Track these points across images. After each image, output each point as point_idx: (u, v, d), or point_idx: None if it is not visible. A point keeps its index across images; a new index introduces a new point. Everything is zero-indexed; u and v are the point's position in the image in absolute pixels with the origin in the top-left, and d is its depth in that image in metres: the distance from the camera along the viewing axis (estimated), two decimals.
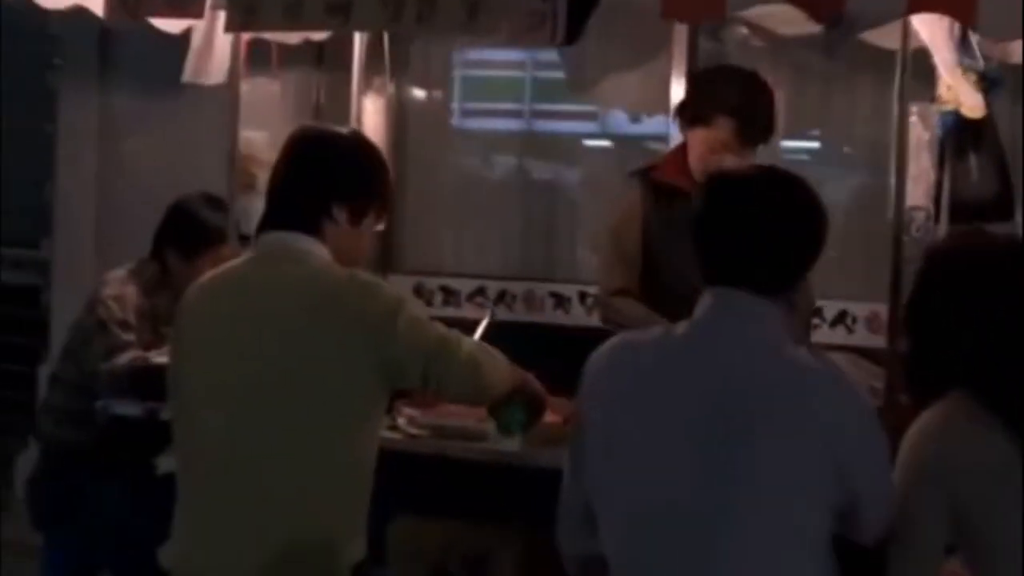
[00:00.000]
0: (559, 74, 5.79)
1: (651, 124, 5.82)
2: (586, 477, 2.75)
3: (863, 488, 2.64)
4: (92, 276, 5.99)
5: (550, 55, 6.04)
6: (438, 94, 6.27)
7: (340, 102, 5.46)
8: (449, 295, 5.97)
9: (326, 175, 3.06)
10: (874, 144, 5.36)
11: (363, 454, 2.96)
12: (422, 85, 6.21)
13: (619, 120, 6.06)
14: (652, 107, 5.83)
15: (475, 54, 6.26)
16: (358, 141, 3.19)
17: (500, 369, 3.15)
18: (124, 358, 4.30)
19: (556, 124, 6.23)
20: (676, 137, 5.36)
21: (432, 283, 5.98)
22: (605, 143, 6.24)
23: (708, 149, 4.23)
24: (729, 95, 4.20)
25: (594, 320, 5.71)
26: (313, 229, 3.03)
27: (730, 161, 4.18)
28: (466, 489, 3.71)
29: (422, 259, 6.07)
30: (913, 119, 4.26)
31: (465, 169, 6.28)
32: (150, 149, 6.06)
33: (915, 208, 4.03)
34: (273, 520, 2.88)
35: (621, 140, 6.13)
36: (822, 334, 5.19)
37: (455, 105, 6.31)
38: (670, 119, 5.51)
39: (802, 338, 4.08)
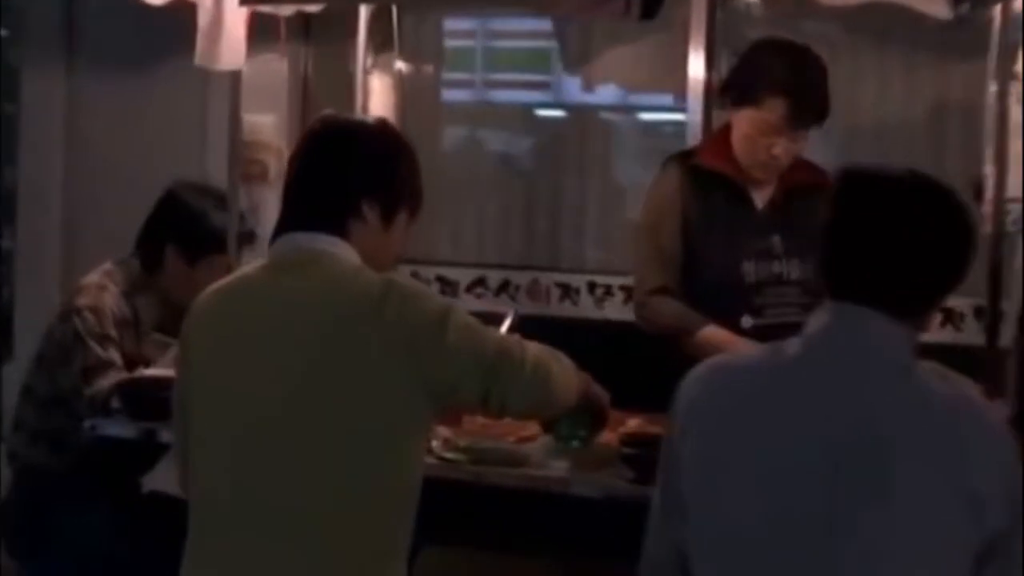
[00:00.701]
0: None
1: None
2: (682, 524, 2.40)
3: (998, 536, 2.29)
4: (59, 269, 5.67)
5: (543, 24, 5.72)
6: (429, 68, 5.86)
7: (332, 80, 5.04)
8: (446, 286, 5.58)
9: (354, 168, 2.72)
10: (913, 125, 5.07)
11: (403, 484, 2.61)
12: (414, 59, 5.79)
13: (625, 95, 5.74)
14: (663, 84, 5.50)
15: (467, 24, 5.88)
16: (388, 131, 2.85)
17: (569, 376, 2.85)
18: (106, 381, 3.87)
19: (574, 97, 5.86)
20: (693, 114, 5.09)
21: (428, 272, 5.59)
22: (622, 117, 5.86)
23: (757, 132, 3.88)
24: (780, 72, 3.84)
25: (605, 312, 5.40)
26: (339, 229, 2.68)
27: (780, 145, 3.87)
28: (499, 517, 3.35)
29: (416, 246, 5.65)
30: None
31: (461, 148, 5.89)
32: (123, 132, 5.55)
33: (1011, 200, 3.68)
34: (298, 561, 2.54)
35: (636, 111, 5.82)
36: None
37: (448, 78, 5.93)
38: (686, 97, 5.28)
39: None
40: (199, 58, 4.06)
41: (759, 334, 3.85)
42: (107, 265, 4.12)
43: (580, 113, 5.85)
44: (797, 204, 3.98)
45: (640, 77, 5.68)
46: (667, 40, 5.45)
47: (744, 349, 3.72)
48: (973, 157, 4.98)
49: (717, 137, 4.06)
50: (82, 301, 3.99)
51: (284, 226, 2.73)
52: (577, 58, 5.79)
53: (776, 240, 3.95)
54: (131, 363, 3.98)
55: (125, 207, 4.89)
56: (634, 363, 3.40)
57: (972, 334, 4.95)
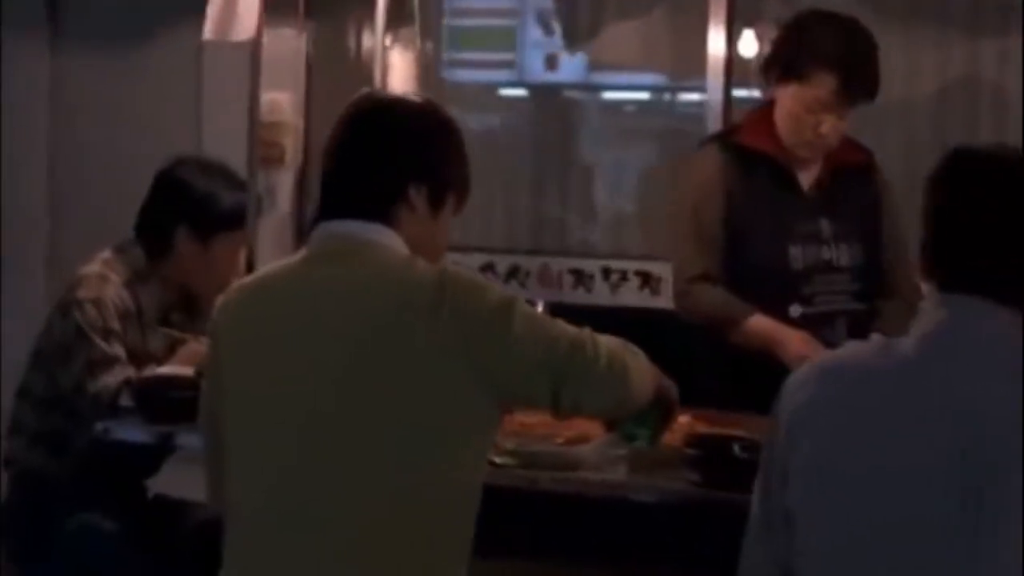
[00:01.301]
0: None
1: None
2: (786, 538, 2.23)
3: None
4: (44, 257, 5.41)
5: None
6: (429, 46, 5.61)
7: (333, 57, 4.78)
8: None
9: (402, 149, 2.50)
10: (943, 103, 4.90)
11: (458, 488, 2.41)
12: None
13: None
14: (681, 66, 5.28)
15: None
16: (433, 110, 2.62)
17: (644, 370, 2.63)
18: (112, 377, 3.62)
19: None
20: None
21: None
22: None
23: (804, 109, 3.67)
24: (829, 45, 3.63)
25: (621, 299, 5.18)
26: (385, 217, 2.47)
27: (828, 122, 3.67)
28: (552, 526, 3.11)
29: None
30: None
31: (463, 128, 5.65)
32: (111, 111, 5.27)
33: None
34: (340, 570, 2.35)
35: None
36: None
37: (448, 57, 5.73)
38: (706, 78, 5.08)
39: None
40: (209, 32, 3.78)
41: (808, 323, 3.68)
42: (106, 254, 3.86)
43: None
44: (844, 185, 3.80)
45: (649, 55, 5.47)
46: (673, 18, 5.27)
47: (794, 340, 3.58)
48: (1003, 135, 4.85)
49: (758, 115, 3.84)
50: (83, 293, 3.73)
51: (324, 214, 2.51)
52: (585, 35, 5.59)
53: (824, 224, 3.75)
54: (135, 358, 3.74)
55: (115, 191, 4.71)
56: (653, 352, 3.18)
57: None
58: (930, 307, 2.23)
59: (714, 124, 5.06)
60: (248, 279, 2.59)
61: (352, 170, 2.49)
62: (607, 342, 2.52)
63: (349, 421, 2.34)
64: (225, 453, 2.48)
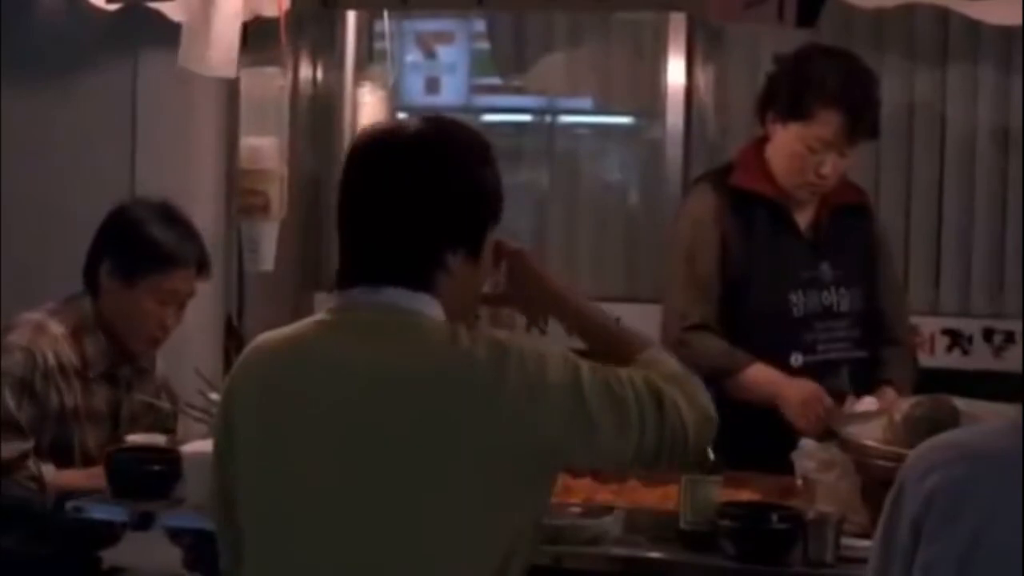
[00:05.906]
0: None
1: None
2: None
3: None
4: None
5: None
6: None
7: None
8: None
9: (437, 212, 2.21)
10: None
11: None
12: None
13: None
14: (638, 102, 5.10)
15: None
16: (474, 139, 2.29)
17: (698, 399, 2.37)
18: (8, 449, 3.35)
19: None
20: None
21: None
22: None
23: (807, 149, 3.50)
24: (834, 83, 3.47)
25: (578, 341, 4.93)
26: (424, 282, 2.21)
27: (831, 163, 3.51)
28: None
29: None
30: None
31: None
32: (34, 152, 4.85)
33: None
34: None
35: None
36: None
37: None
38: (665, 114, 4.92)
39: None
40: (183, 59, 3.48)
41: (810, 372, 3.51)
42: (50, 304, 3.58)
43: None
44: (841, 227, 3.65)
45: (578, 85, 5.30)
46: (602, 47, 5.11)
47: (796, 390, 3.42)
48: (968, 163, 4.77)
49: (750, 154, 3.66)
50: (13, 338, 3.45)
51: (350, 277, 2.23)
52: (511, 63, 5.41)
53: (824, 268, 3.59)
54: (75, 416, 3.47)
55: (40, 241, 4.40)
56: None
57: (981, 357, 4.68)
58: None
59: (674, 155, 4.95)
60: (267, 341, 2.28)
61: (381, 232, 2.21)
62: (661, 381, 2.29)
63: (387, 505, 2.13)
64: (239, 533, 2.25)
